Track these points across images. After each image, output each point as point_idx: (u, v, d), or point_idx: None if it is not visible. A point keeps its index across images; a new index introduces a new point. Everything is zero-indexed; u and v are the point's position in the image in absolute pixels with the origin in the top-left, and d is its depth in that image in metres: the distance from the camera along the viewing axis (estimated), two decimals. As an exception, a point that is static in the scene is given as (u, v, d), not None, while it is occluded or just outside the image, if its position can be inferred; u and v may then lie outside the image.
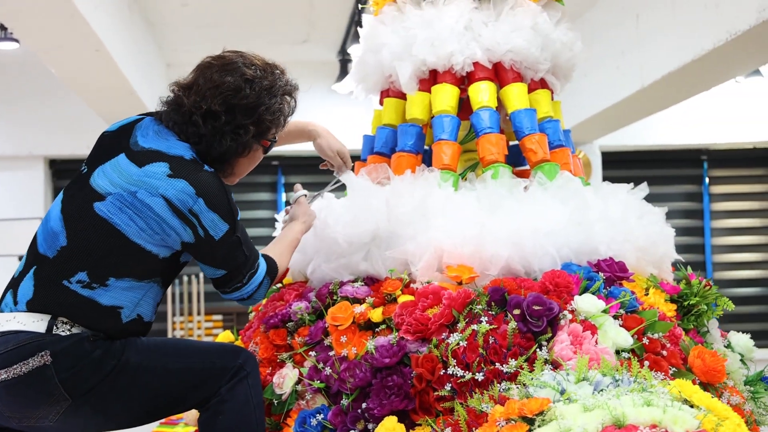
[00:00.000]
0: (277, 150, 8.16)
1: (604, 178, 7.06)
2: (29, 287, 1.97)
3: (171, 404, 2.07)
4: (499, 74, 2.75)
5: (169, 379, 2.02)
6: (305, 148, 8.34)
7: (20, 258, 6.76)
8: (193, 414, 2.74)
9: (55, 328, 1.91)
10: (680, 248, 2.69)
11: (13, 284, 2.01)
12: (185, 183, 1.96)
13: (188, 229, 1.99)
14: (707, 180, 8.35)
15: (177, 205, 1.96)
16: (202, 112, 2.03)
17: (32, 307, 1.94)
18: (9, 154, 7.52)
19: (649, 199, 2.70)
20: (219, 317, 7.81)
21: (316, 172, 8.83)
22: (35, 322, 1.92)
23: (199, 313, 7.59)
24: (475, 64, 2.72)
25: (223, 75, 2.06)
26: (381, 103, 2.95)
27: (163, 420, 3.77)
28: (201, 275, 7.60)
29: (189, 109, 2.04)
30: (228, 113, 2.04)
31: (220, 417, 2.05)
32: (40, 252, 2.01)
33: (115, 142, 2.07)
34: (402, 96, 2.83)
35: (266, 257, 2.19)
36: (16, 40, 5.82)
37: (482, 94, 2.69)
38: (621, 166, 8.05)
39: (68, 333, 1.92)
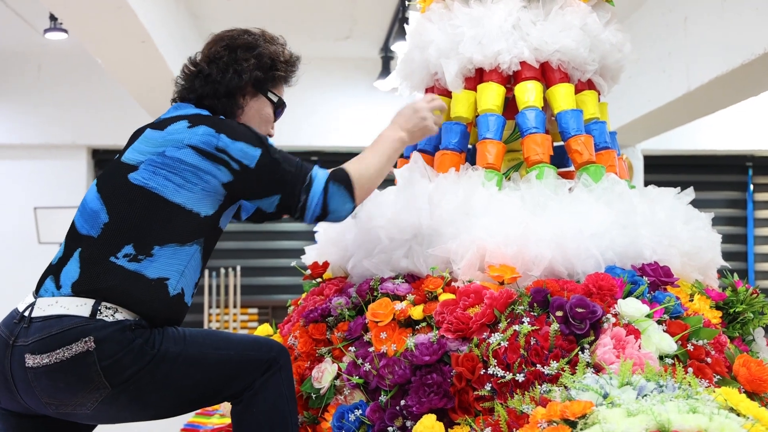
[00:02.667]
0: (315, 145, 8.18)
1: (646, 182, 6.99)
2: (74, 269, 1.97)
3: (205, 395, 2.07)
4: (546, 74, 2.73)
5: (206, 369, 2.03)
6: (344, 143, 8.39)
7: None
8: (229, 404, 2.76)
9: (98, 313, 1.91)
10: (722, 256, 2.65)
11: (54, 270, 2.02)
12: (205, 127, 2.03)
13: (222, 168, 2.02)
14: (752, 187, 8.23)
15: (204, 148, 2.01)
16: (207, 60, 2.20)
17: (78, 288, 1.94)
18: (53, 142, 7.63)
19: (692, 204, 2.66)
20: (254, 310, 7.87)
21: (356, 168, 8.71)
22: (78, 307, 1.92)
23: (235, 306, 7.64)
24: (522, 63, 2.70)
25: (224, 33, 2.27)
26: (426, 100, 2.94)
27: (198, 410, 3.80)
28: (238, 268, 7.66)
29: (196, 66, 2.21)
30: (229, 51, 2.21)
31: (254, 409, 2.06)
32: (82, 234, 2.02)
33: (140, 129, 2.15)
34: (447, 94, 2.82)
35: (332, 171, 2.15)
36: (65, 31, 5.91)
37: (528, 93, 2.67)
38: (663, 170, 7.97)
39: (112, 319, 1.92)
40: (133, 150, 2.07)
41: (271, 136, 2.32)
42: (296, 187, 2.08)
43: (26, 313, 1.95)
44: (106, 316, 1.92)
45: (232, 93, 2.19)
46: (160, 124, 2.08)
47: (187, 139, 2.01)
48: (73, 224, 2.07)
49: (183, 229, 2.02)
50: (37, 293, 2.01)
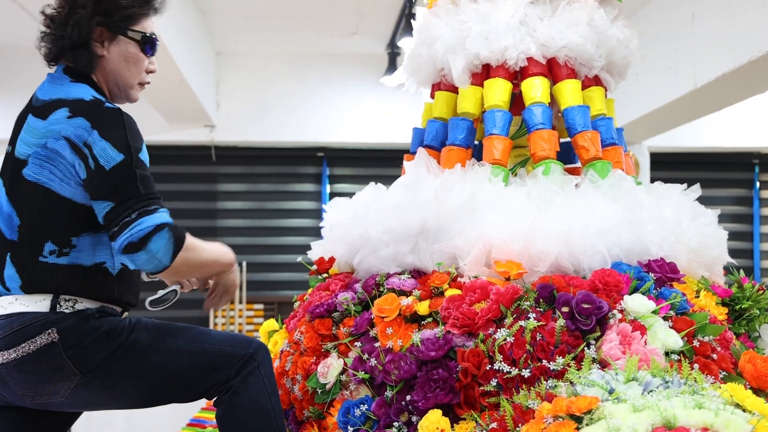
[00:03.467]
0: (321, 141, 8.14)
1: (652, 179, 6.97)
2: (14, 274, 1.98)
3: (180, 388, 2.07)
4: (553, 70, 2.73)
5: (178, 360, 2.03)
6: (350, 139, 8.36)
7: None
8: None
9: (58, 306, 1.95)
10: (728, 252, 2.65)
11: None
12: (83, 119, 1.95)
13: (81, 163, 1.93)
14: (758, 184, 8.21)
15: (75, 141, 1.93)
16: (50, 16, 2.11)
17: (28, 290, 1.96)
18: (60, 138, 7.63)
19: (698, 201, 2.66)
20: (260, 306, 7.87)
21: (361, 164, 8.86)
22: (38, 302, 1.96)
23: (240, 302, 7.65)
24: (529, 59, 2.70)
25: None
26: (432, 96, 2.94)
27: (204, 405, 3.81)
28: (244, 264, 7.66)
29: (44, 22, 2.13)
30: (69, 3, 2.09)
31: (237, 409, 2.06)
32: (7, 238, 2.01)
33: (23, 114, 2.08)
34: (454, 89, 2.81)
35: (175, 226, 1.96)
36: (72, 26, 5.90)
37: (535, 89, 2.67)
38: (670, 167, 7.94)
39: (72, 310, 1.95)
40: (21, 142, 2.02)
41: (152, 72, 2.21)
42: (134, 204, 1.91)
43: None
44: (66, 308, 1.95)
45: (78, 45, 2.07)
46: (41, 110, 2.00)
47: (64, 131, 1.94)
48: None
49: (87, 220, 1.98)
50: None
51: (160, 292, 2.19)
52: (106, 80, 2.13)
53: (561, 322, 2.02)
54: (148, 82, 2.22)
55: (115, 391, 2.01)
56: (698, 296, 2.32)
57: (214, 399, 2.11)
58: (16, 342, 1.92)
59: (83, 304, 1.97)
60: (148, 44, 2.17)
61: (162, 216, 1.93)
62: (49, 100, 2.02)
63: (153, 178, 1.99)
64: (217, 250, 2.16)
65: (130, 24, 2.13)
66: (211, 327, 7.51)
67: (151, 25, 2.19)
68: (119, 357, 1.96)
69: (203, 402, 3.79)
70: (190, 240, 1.99)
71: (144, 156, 1.99)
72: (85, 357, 1.94)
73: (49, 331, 1.92)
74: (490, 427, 1.85)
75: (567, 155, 2.84)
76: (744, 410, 1.57)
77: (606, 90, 2.83)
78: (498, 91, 2.68)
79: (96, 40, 2.10)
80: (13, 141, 2.06)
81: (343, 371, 2.27)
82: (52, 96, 2.03)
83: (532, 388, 1.89)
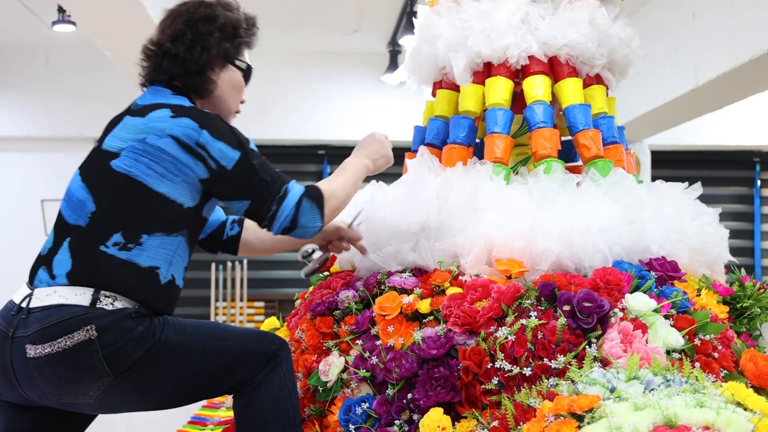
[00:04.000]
0: (322, 139, 8.20)
1: (653, 178, 6.98)
2: (66, 260, 1.97)
3: (205, 386, 2.06)
4: (554, 68, 2.73)
5: (206, 359, 2.02)
6: (351, 137, 8.39)
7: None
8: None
9: (98, 301, 1.91)
10: (729, 251, 2.65)
11: (45, 260, 2.01)
12: (188, 119, 2.00)
13: (200, 164, 2.00)
14: (759, 182, 8.21)
15: (184, 140, 1.98)
16: (171, 39, 2.14)
17: (73, 279, 1.94)
18: (60, 135, 7.65)
19: (699, 200, 2.66)
20: (261, 304, 7.89)
21: (362, 162, 8.70)
22: (78, 296, 1.92)
23: (241, 299, 7.66)
24: (531, 57, 2.70)
25: (179, 8, 2.21)
26: (434, 94, 2.94)
27: (205, 403, 3.81)
28: (245, 261, 7.67)
29: (159, 46, 2.15)
30: (191, 27, 2.14)
31: (256, 403, 2.06)
32: (70, 224, 2.01)
33: (117, 117, 2.13)
34: (455, 88, 2.82)
35: (306, 186, 2.12)
36: (73, 23, 5.92)
37: (537, 88, 2.67)
38: (670, 165, 7.96)
39: (112, 308, 1.92)
40: (113, 137, 2.05)
41: (242, 102, 2.31)
42: (269, 196, 2.04)
43: (23, 304, 1.94)
44: (106, 304, 1.92)
45: (203, 69, 2.15)
46: (140, 111, 2.06)
47: (169, 129, 1.99)
48: (60, 214, 2.06)
49: (168, 218, 2.01)
50: (32, 284, 2.00)
51: (312, 262, 2.48)
52: (210, 106, 2.19)
53: (562, 320, 2.03)
54: (240, 111, 2.32)
55: (143, 392, 1.98)
56: (699, 295, 2.32)
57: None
58: (53, 336, 1.88)
59: (122, 303, 1.94)
60: (249, 75, 2.29)
61: (293, 193, 2.07)
62: (149, 103, 2.08)
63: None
64: (351, 176, 2.27)
65: (238, 53, 2.24)
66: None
67: (246, 56, 2.30)
68: (152, 358, 1.94)
69: (204, 400, 3.79)
70: (328, 190, 2.13)
71: (252, 145, 2.10)
72: (119, 357, 1.90)
73: (88, 327, 1.88)
74: (491, 425, 1.86)
75: (568, 154, 2.84)
76: (745, 409, 1.58)
77: (607, 88, 2.83)
78: (499, 90, 2.68)
79: (211, 67, 2.17)
80: (102, 139, 2.09)
81: (345, 369, 2.27)
82: (152, 101, 2.08)
83: (533, 386, 1.89)
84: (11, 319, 1.94)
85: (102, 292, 1.93)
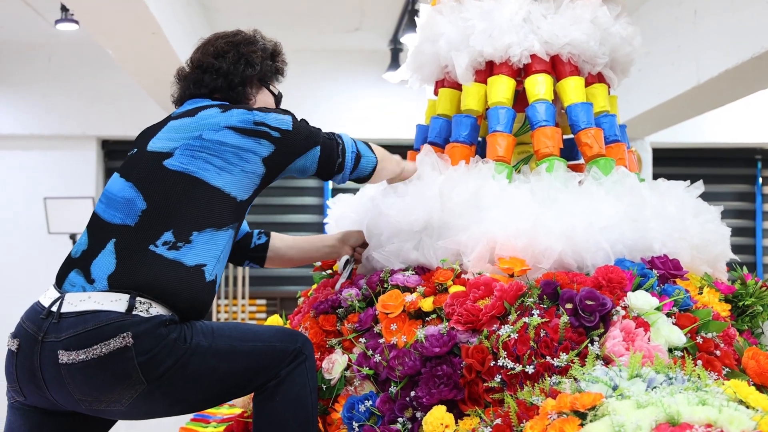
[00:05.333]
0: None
1: (655, 175, 6.99)
2: (109, 261, 1.94)
3: (234, 387, 2.06)
4: (556, 67, 2.74)
5: (235, 361, 2.01)
6: (353, 135, 8.32)
7: (72, 236, 6.89)
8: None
9: (134, 308, 1.89)
10: (731, 249, 2.66)
11: (81, 263, 1.98)
12: (236, 109, 2.09)
13: (263, 141, 2.08)
14: (760, 180, 8.21)
15: (243, 126, 2.06)
16: (214, 56, 2.25)
17: (115, 281, 1.91)
18: (63, 133, 7.65)
19: (700, 197, 2.67)
20: (263, 302, 7.89)
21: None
22: (114, 302, 1.89)
23: (243, 297, 7.67)
24: (533, 56, 2.70)
25: (218, 34, 2.35)
26: (436, 93, 2.95)
27: (194, 416, 3.81)
28: (247, 259, 7.67)
29: (199, 63, 2.26)
30: (233, 46, 2.27)
31: (278, 398, 2.05)
32: (115, 223, 1.99)
33: (156, 125, 2.16)
34: (457, 86, 2.82)
35: (353, 141, 2.33)
36: (76, 22, 5.92)
37: (539, 86, 2.68)
38: (672, 163, 7.96)
39: (147, 315, 1.90)
40: (160, 140, 2.06)
41: None
42: (330, 140, 2.23)
43: (54, 308, 1.92)
44: (142, 311, 1.90)
45: (244, 83, 2.25)
46: (186, 114, 2.10)
47: (225, 121, 2.05)
48: (98, 216, 2.04)
49: (221, 213, 2.03)
50: (61, 287, 1.97)
51: (345, 271, 2.58)
52: None
53: (565, 318, 2.03)
54: None
55: (174, 399, 1.97)
56: (701, 293, 2.33)
57: None
58: (88, 342, 1.85)
59: (156, 309, 1.92)
60: (279, 102, 2.40)
61: (345, 137, 2.30)
62: (193, 107, 2.15)
63: None
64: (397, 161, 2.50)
65: (273, 79, 2.38)
66: (214, 320, 7.52)
67: (277, 83, 2.44)
68: (183, 364, 1.93)
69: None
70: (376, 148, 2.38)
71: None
72: (154, 365, 1.88)
73: (125, 334, 1.86)
74: (494, 423, 1.87)
75: (570, 152, 2.84)
76: (747, 407, 1.58)
77: (609, 87, 2.84)
78: (501, 88, 2.69)
79: (250, 85, 2.28)
80: (142, 143, 2.12)
81: (348, 367, 2.28)
82: (194, 106, 2.17)
83: (536, 384, 1.90)
84: (40, 323, 1.91)
85: (138, 298, 1.91)
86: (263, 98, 2.32)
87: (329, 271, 2.74)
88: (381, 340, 2.25)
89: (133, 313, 1.89)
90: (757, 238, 8.15)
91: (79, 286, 1.94)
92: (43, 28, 6.96)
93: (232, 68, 2.23)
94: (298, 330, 2.55)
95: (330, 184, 7.94)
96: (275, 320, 2.94)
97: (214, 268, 2.03)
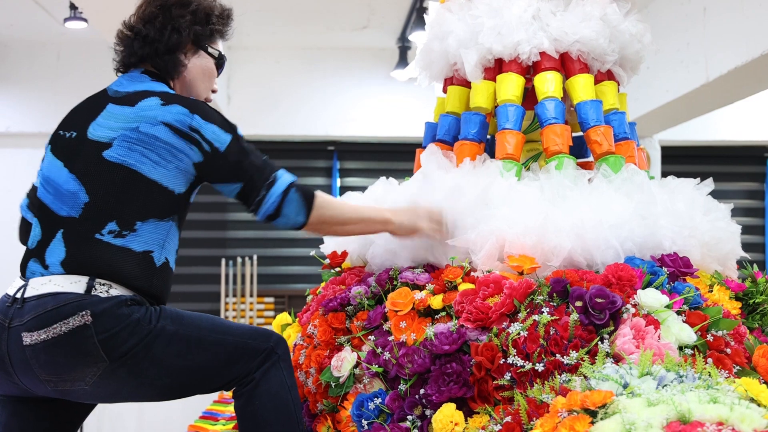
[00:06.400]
0: (332, 135, 8.20)
1: (664, 173, 6.97)
2: (60, 249, 2.00)
3: (201, 379, 2.08)
4: (565, 65, 2.73)
5: (202, 350, 2.04)
6: (360, 133, 8.38)
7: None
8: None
9: (93, 289, 1.95)
10: (741, 246, 2.65)
11: (36, 252, 2.04)
12: (178, 106, 2.06)
13: (194, 147, 2.05)
14: (769, 178, 8.19)
15: (178, 127, 2.04)
16: (143, 21, 2.21)
17: (68, 267, 1.97)
18: (72, 131, 7.66)
19: (710, 195, 2.66)
20: (271, 299, 7.90)
21: (371, 158, 8.91)
22: (73, 284, 1.95)
23: (251, 295, 7.67)
24: (542, 53, 2.70)
25: None
26: (444, 90, 2.95)
27: (216, 398, 3.83)
28: (254, 257, 7.68)
29: (131, 29, 2.23)
30: (163, 10, 2.21)
31: (257, 401, 2.07)
32: (61, 215, 2.04)
33: (93, 103, 2.17)
34: (466, 84, 2.82)
35: (300, 186, 2.17)
36: (85, 20, 5.93)
37: (548, 84, 2.67)
38: (680, 161, 7.94)
39: (107, 295, 1.95)
40: (100, 126, 2.08)
41: (214, 92, 2.36)
42: (259, 180, 2.10)
43: (18, 295, 1.98)
44: (101, 292, 1.95)
45: (172, 50, 2.21)
46: (126, 99, 2.10)
47: (161, 116, 2.04)
48: (46, 207, 2.08)
49: (160, 205, 2.05)
50: (24, 276, 2.03)
51: None
52: (181, 89, 2.25)
53: (574, 316, 2.03)
54: (211, 100, 2.34)
55: (139, 380, 2.01)
56: (711, 291, 2.32)
57: (233, 390, 2.13)
58: (48, 322, 1.91)
59: (117, 290, 1.97)
60: (221, 64, 2.34)
61: (281, 181, 2.12)
62: (133, 91, 2.12)
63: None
64: (363, 211, 2.30)
65: (211, 41, 2.30)
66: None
67: (220, 47, 2.36)
68: (147, 344, 1.97)
69: (215, 395, 3.81)
70: (323, 198, 2.17)
71: (240, 131, 2.16)
72: (115, 343, 1.93)
73: (83, 313, 1.91)
74: (504, 420, 1.86)
75: (579, 150, 2.84)
76: (759, 404, 1.58)
77: (618, 84, 2.83)
78: (511, 86, 2.68)
79: (181, 50, 2.23)
80: (78, 127, 2.12)
81: (357, 365, 2.28)
82: (135, 89, 2.13)
83: (546, 382, 1.89)
84: (6, 311, 1.98)
85: (97, 279, 1.96)
86: (200, 62, 2.27)
87: (338, 269, 2.74)
88: (390, 338, 2.25)
89: (92, 293, 1.94)
90: (766, 235, 8.12)
91: (38, 273, 2.00)
92: (51, 26, 6.98)
93: (158, 35, 2.19)
94: (305, 328, 2.56)
95: (338, 181, 7.95)
96: (283, 318, 2.94)
97: (161, 254, 2.06)
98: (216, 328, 2.09)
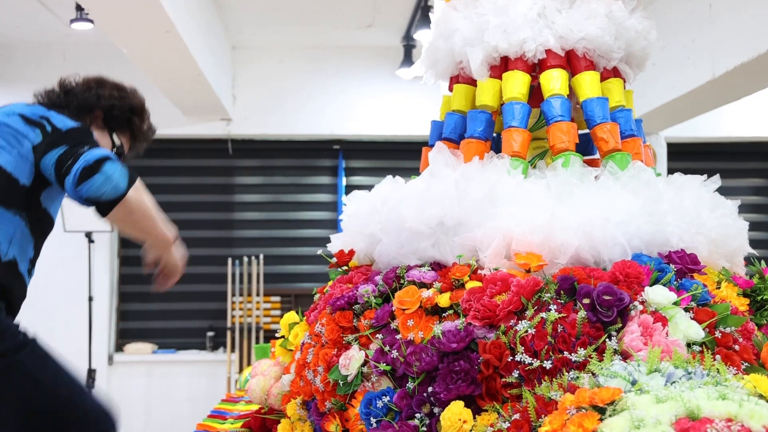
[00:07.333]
0: (337, 133, 8.18)
1: (670, 170, 6.95)
2: None
3: (33, 427, 2.03)
4: (571, 62, 2.73)
5: (47, 401, 2.02)
6: (365, 132, 8.39)
7: (87, 234, 6.92)
8: (258, 388, 2.79)
9: None
10: (748, 243, 2.64)
11: None
12: (40, 106, 2.22)
13: (36, 130, 2.13)
14: (776, 174, 8.17)
15: (29, 116, 2.16)
16: (77, 82, 2.42)
17: None
18: (78, 132, 7.68)
19: (717, 192, 2.65)
20: (277, 298, 7.90)
21: (377, 156, 8.89)
22: None
23: (258, 294, 7.69)
24: (548, 51, 2.70)
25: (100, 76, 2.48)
26: (450, 89, 2.95)
27: (224, 397, 3.83)
28: (261, 256, 7.69)
29: (63, 86, 2.42)
30: (99, 83, 2.43)
31: None
32: None
33: None
34: (472, 82, 2.82)
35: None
36: (91, 21, 5.94)
37: (554, 81, 2.67)
38: (687, 158, 7.91)
39: None
40: None
41: None
42: (86, 145, 2.12)
43: None
44: None
45: (82, 109, 2.33)
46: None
47: (19, 109, 2.18)
48: None
49: (5, 190, 2.10)
50: None
51: None
52: None
53: (582, 313, 2.03)
54: None
55: None
56: (719, 287, 2.32)
57: None
58: None
59: None
60: (119, 155, 2.41)
61: (91, 157, 2.08)
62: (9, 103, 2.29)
63: None
64: (162, 218, 2.31)
65: (120, 130, 2.42)
66: (229, 319, 7.55)
67: (127, 147, 2.45)
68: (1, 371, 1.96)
69: (223, 394, 3.82)
70: (142, 185, 2.19)
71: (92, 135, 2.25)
72: None
73: None
74: (512, 418, 1.86)
75: (586, 147, 2.84)
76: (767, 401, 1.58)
77: (624, 81, 2.83)
78: (516, 84, 2.68)
79: (90, 114, 2.36)
80: None
81: (365, 363, 2.28)
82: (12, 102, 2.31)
83: (554, 379, 1.90)
84: None
85: None
86: (100, 139, 2.36)
87: (345, 268, 2.74)
88: (398, 336, 2.25)
89: None
90: (774, 232, 8.10)
91: None
92: (57, 27, 6.99)
93: (79, 91, 2.39)
94: (313, 326, 2.56)
95: (344, 180, 7.94)
96: (291, 317, 2.94)
97: (8, 248, 2.07)
98: (71, 387, 2.08)
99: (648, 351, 1.86)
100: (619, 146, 2.61)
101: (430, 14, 3.08)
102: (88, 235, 6.92)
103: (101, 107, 2.34)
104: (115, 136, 2.37)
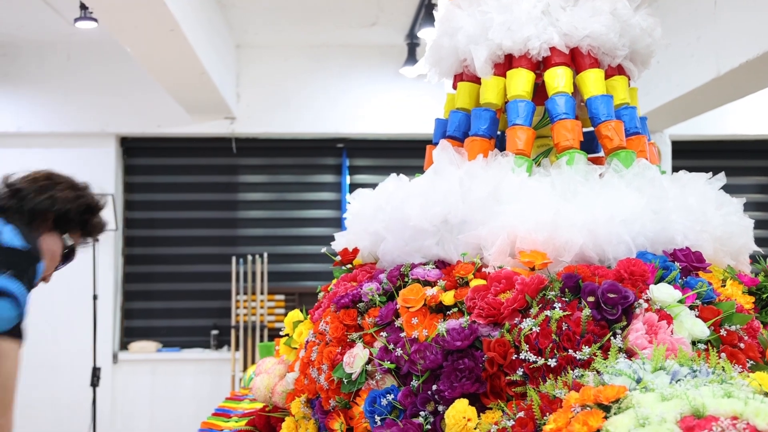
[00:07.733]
0: (341, 132, 8.20)
1: (675, 168, 6.94)
2: None
3: None
4: (575, 59, 2.72)
5: None
6: (369, 130, 8.39)
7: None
8: (262, 387, 2.79)
9: None
10: (754, 241, 2.64)
11: None
12: (2, 219, 2.15)
13: None
14: (781, 172, 8.14)
15: None
16: (27, 181, 2.33)
17: None
18: (82, 131, 7.70)
19: (722, 190, 2.65)
20: (281, 297, 7.91)
21: (381, 155, 8.90)
22: None
23: (262, 293, 7.69)
24: (552, 48, 2.69)
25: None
26: (454, 87, 2.95)
27: (228, 395, 3.84)
28: (265, 254, 7.70)
29: (11, 185, 2.32)
30: (51, 181, 2.34)
31: None
32: None
33: None
34: (476, 80, 2.81)
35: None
36: (95, 20, 5.95)
37: (558, 79, 2.66)
38: (691, 156, 7.90)
39: None
40: None
41: (46, 281, 2.35)
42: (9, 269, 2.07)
43: None
44: None
45: (35, 215, 2.27)
46: None
47: None
48: None
49: None
50: None
51: None
52: None
53: (587, 311, 2.02)
54: (48, 281, 2.37)
55: None
56: (724, 285, 2.31)
57: None
58: None
59: None
60: (69, 256, 2.38)
61: (21, 294, 2.05)
62: None
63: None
64: (10, 402, 2.15)
65: (71, 230, 2.37)
66: (233, 318, 7.57)
67: (77, 246, 2.41)
68: None
69: (228, 392, 3.83)
70: (17, 359, 2.09)
71: (40, 271, 2.15)
72: None
73: None
74: (517, 416, 1.86)
75: (590, 145, 2.83)
76: (773, 399, 1.57)
77: (629, 79, 2.82)
78: (521, 82, 2.68)
79: (42, 219, 2.30)
80: None
81: (369, 361, 2.28)
82: None
83: (558, 377, 1.89)
84: None
85: None
86: (52, 241, 2.34)
87: (349, 266, 2.74)
88: (402, 334, 2.25)
89: None
90: (779, 230, 8.08)
91: None
92: (61, 26, 7.00)
93: (32, 195, 2.30)
94: (317, 324, 2.56)
95: (348, 179, 7.94)
96: (295, 315, 2.94)
97: None
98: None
99: (653, 349, 1.85)
100: (624, 144, 2.60)
101: (433, 12, 3.07)
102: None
103: (54, 212, 2.30)
104: (66, 237, 2.35)
